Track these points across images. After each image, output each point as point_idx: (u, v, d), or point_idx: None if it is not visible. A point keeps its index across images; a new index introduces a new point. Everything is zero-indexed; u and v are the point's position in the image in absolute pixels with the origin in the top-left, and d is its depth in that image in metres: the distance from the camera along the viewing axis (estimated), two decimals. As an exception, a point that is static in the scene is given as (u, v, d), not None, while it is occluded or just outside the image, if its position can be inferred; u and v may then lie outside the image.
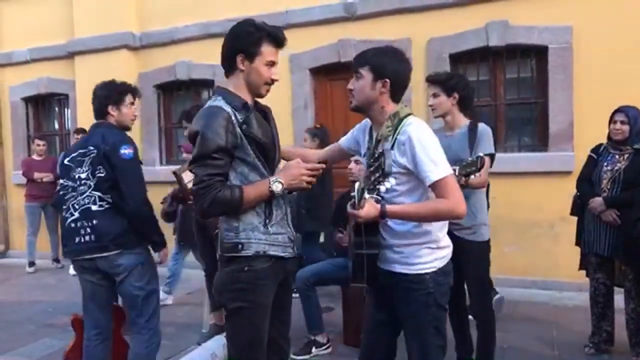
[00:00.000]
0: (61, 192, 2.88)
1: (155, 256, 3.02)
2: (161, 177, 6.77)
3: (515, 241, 5.18)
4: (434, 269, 2.01)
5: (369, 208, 1.85)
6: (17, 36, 7.63)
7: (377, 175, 1.74)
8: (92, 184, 2.73)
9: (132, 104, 3.00)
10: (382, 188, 1.77)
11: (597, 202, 3.35)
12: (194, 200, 1.98)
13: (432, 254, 2.01)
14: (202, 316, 4.30)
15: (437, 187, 1.88)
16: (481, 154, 2.60)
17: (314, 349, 3.63)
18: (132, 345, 2.95)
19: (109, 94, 2.90)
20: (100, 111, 2.91)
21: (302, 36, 5.93)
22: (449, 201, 1.87)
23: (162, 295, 4.26)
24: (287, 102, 6.12)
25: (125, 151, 2.74)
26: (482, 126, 2.91)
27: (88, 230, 2.71)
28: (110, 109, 2.89)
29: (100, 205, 2.71)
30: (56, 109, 7.94)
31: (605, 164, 3.43)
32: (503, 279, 4.97)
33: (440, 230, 2.06)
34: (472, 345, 3.14)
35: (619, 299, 3.52)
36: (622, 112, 3.36)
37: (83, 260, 2.76)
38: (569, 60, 5.01)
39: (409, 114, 1.99)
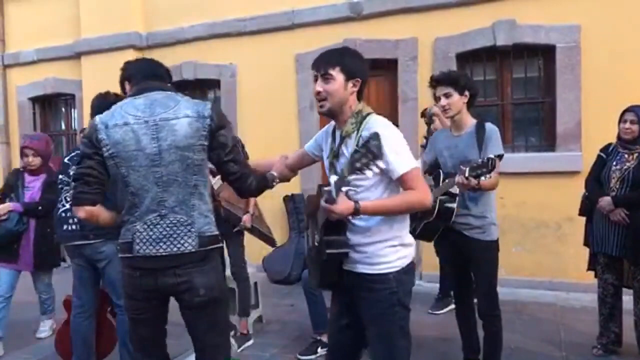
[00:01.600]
0: (59, 186, 3.22)
1: None
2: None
3: (522, 241, 5.16)
4: (397, 268, 1.99)
5: (344, 203, 1.79)
6: (24, 36, 7.67)
7: (366, 160, 1.72)
8: None
9: None
10: (369, 173, 1.75)
11: (605, 201, 3.33)
12: (240, 182, 2.14)
13: (395, 252, 1.99)
14: (208, 316, 4.29)
15: (404, 180, 1.91)
16: (492, 156, 2.58)
17: (319, 349, 3.62)
18: (117, 325, 3.27)
19: (101, 105, 2.93)
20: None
21: (307, 36, 5.94)
22: (417, 192, 1.91)
23: None
24: (293, 103, 6.12)
25: None
26: (489, 126, 2.88)
27: (75, 220, 3.04)
28: None
29: None
30: (63, 109, 7.98)
31: (614, 163, 3.40)
32: (510, 279, 4.95)
33: (403, 228, 2.04)
34: (479, 345, 3.12)
35: (627, 300, 3.49)
36: (632, 112, 3.34)
37: (71, 246, 3.13)
38: (576, 59, 4.98)
39: (371, 113, 2.03)
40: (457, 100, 2.87)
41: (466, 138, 2.90)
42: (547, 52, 5.22)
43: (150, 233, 1.98)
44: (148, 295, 2.05)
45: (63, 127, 8.04)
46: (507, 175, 4.95)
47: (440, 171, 2.97)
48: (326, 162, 2.14)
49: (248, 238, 4.04)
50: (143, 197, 1.98)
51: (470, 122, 2.94)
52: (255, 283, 4.35)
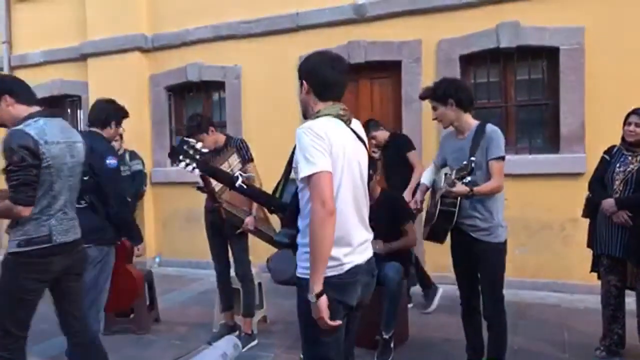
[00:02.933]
0: None
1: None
2: (172, 178, 6.85)
3: (526, 243, 5.16)
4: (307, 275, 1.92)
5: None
6: (30, 38, 7.73)
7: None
8: None
9: (119, 124, 3.48)
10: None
11: (608, 203, 3.34)
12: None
13: (309, 260, 1.91)
14: (213, 316, 4.33)
15: (307, 183, 1.88)
16: (473, 159, 2.66)
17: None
18: None
19: (98, 115, 3.37)
20: (91, 125, 3.39)
21: (311, 38, 5.97)
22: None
23: None
24: (297, 105, 6.10)
25: (110, 161, 3.22)
26: (490, 128, 2.87)
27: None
28: (97, 127, 3.35)
29: (79, 204, 3.06)
30: (69, 110, 8.03)
31: (617, 165, 3.41)
32: (514, 281, 4.94)
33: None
34: (483, 347, 3.14)
35: (630, 301, 3.50)
36: (637, 114, 3.34)
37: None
38: (580, 61, 4.99)
39: (325, 114, 1.98)
40: (444, 111, 2.91)
41: (469, 140, 2.91)
42: (551, 54, 5.22)
43: (62, 226, 2.57)
44: (54, 277, 2.59)
45: (69, 128, 8.08)
46: (510, 177, 4.96)
47: (447, 172, 2.99)
48: None
49: (252, 238, 4.06)
50: (59, 199, 2.55)
51: (472, 124, 2.94)
52: (260, 283, 4.38)
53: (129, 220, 3.45)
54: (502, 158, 2.83)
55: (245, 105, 6.48)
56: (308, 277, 1.91)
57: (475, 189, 2.71)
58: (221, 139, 3.98)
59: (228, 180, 2.33)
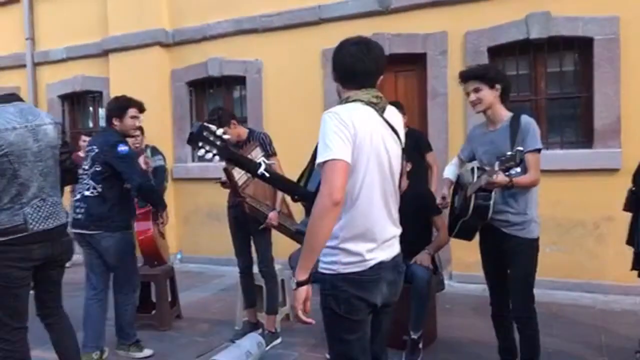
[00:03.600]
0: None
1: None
2: (193, 174, 6.82)
3: (557, 241, 4.97)
4: (333, 272, 1.86)
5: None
6: (53, 35, 7.76)
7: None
8: (89, 174, 3.46)
9: (135, 117, 3.63)
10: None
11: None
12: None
13: (331, 254, 1.86)
14: (235, 313, 4.26)
15: (321, 168, 1.78)
16: (520, 148, 2.48)
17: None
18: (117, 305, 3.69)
19: (113, 108, 3.62)
20: (107, 121, 3.64)
21: (334, 31, 5.83)
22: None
23: None
24: (319, 98, 6.03)
25: (122, 148, 3.41)
26: (525, 119, 2.74)
27: (82, 210, 3.46)
28: (114, 120, 3.58)
29: (92, 193, 3.42)
30: (91, 106, 8.06)
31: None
32: (544, 280, 4.75)
33: (342, 232, 1.85)
34: (516, 349, 3.00)
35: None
36: None
37: (77, 233, 3.48)
38: (616, 52, 4.78)
39: (355, 100, 1.88)
40: (487, 94, 2.76)
41: (501, 132, 2.77)
42: (584, 45, 5.02)
43: (39, 213, 2.55)
44: (36, 265, 2.58)
45: (91, 124, 8.12)
46: (541, 173, 4.82)
47: (475, 166, 2.84)
48: None
49: (275, 234, 3.97)
50: (30, 187, 2.53)
51: (505, 115, 2.81)
52: (282, 280, 4.29)
53: (151, 188, 3.68)
54: (539, 150, 2.70)
55: (267, 99, 6.39)
56: (330, 272, 1.86)
57: (515, 179, 2.57)
58: (244, 132, 3.90)
59: (251, 167, 2.23)
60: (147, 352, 3.71)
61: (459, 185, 3.09)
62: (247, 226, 3.82)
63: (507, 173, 2.52)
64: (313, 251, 1.76)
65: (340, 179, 1.72)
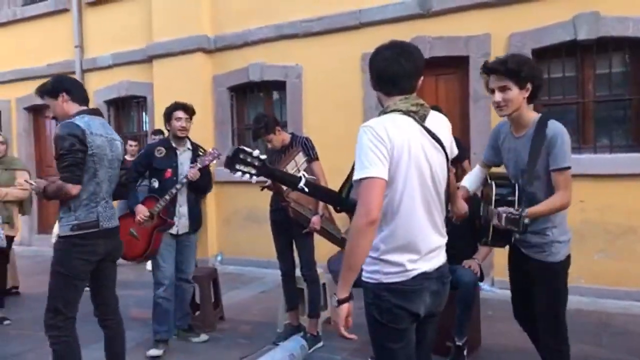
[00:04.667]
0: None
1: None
2: (234, 177, 6.89)
3: (605, 248, 4.82)
4: (375, 281, 1.86)
5: None
6: (100, 42, 8.06)
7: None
8: None
9: (180, 118, 3.96)
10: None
11: None
12: None
13: (373, 264, 1.86)
14: (276, 315, 4.30)
15: (357, 186, 1.78)
16: (526, 214, 2.20)
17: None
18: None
19: (164, 114, 4.07)
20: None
21: (375, 35, 5.83)
22: None
23: None
24: (358, 103, 6.04)
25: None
26: (553, 126, 2.30)
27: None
28: (166, 125, 4.07)
29: None
30: (135, 111, 8.30)
31: None
32: (592, 288, 4.67)
33: (383, 244, 1.85)
34: None
35: None
36: None
37: None
38: (669, 52, 4.61)
39: (393, 110, 1.86)
40: (516, 96, 2.33)
41: (525, 142, 2.39)
42: (635, 46, 4.86)
43: (106, 213, 2.88)
44: (97, 259, 2.85)
45: (135, 128, 8.36)
46: (588, 178, 4.70)
47: (493, 184, 2.46)
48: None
49: (317, 238, 4.00)
50: (102, 187, 2.86)
51: (531, 119, 2.40)
52: (324, 284, 4.31)
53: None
54: (568, 168, 2.31)
55: (306, 104, 6.44)
56: (372, 281, 1.86)
57: (531, 210, 2.25)
58: (287, 138, 3.95)
59: (291, 182, 2.26)
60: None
61: (481, 196, 2.77)
62: (290, 230, 3.86)
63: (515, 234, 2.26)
64: (352, 270, 1.76)
65: (377, 198, 1.72)
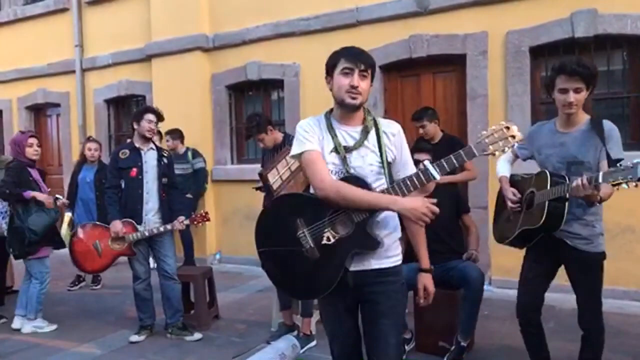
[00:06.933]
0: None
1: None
2: (232, 175, 6.93)
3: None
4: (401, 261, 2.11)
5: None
6: (100, 41, 8.07)
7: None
8: None
9: (151, 121, 4.05)
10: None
11: None
12: None
13: (399, 246, 2.09)
14: (271, 314, 4.30)
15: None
16: (637, 160, 2.15)
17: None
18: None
19: (134, 114, 4.20)
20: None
21: (372, 33, 5.84)
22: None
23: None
24: (356, 101, 6.00)
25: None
26: (608, 124, 2.53)
27: None
28: (133, 124, 4.13)
29: None
30: (134, 109, 8.31)
31: None
32: (589, 287, 4.60)
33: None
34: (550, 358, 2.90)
35: None
36: None
37: None
38: (668, 50, 4.57)
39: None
40: (584, 96, 2.52)
41: (578, 136, 2.56)
42: (633, 43, 4.82)
43: None
44: None
45: (135, 127, 8.36)
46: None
47: (547, 171, 2.60)
48: (332, 156, 2.04)
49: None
50: None
51: (583, 118, 2.60)
52: (319, 283, 4.30)
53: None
54: (622, 159, 2.40)
55: (304, 102, 6.43)
56: (400, 262, 2.09)
57: (602, 194, 2.38)
58: (279, 137, 3.94)
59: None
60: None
61: (513, 184, 2.85)
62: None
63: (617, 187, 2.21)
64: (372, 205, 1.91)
65: None
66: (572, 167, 2.57)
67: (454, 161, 1.86)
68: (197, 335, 4.10)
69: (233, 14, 6.86)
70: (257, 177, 3.85)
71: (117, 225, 3.94)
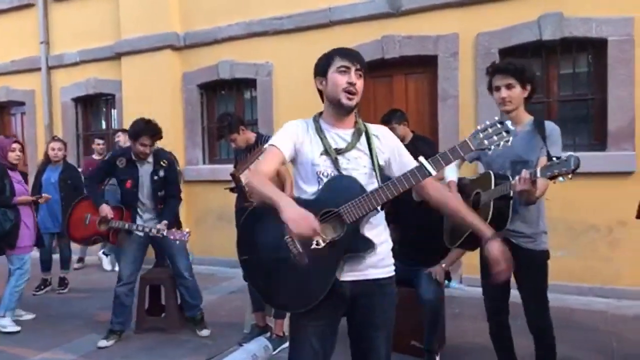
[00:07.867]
0: None
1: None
2: (204, 175, 6.85)
3: (569, 245, 4.91)
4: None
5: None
6: (67, 39, 7.86)
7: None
8: None
9: (145, 145, 4.02)
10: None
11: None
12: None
13: (392, 257, 2.04)
14: (244, 316, 4.27)
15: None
16: (574, 154, 2.19)
17: None
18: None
19: (131, 132, 4.07)
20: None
21: (345, 33, 5.86)
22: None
23: None
24: (329, 101, 6.01)
25: None
26: (550, 125, 2.59)
27: None
28: (130, 141, 4.15)
29: None
30: (103, 108, 8.14)
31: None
32: (556, 284, 4.68)
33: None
34: None
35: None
36: None
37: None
38: (630, 53, 4.71)
39: None
40: (518, 94, 2.59)
41: (522, 136, 2.58)
42: (597, 46, 4.96)
43: None
44: None
45: (104, 126, 8.20)
46: (553, 176, 4.77)
47: (491, 172, 2.68)
48: (322, 159, 1.98)
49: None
50: None
51: (526, 119, 2.66)
52: (292, 284, 4.28)
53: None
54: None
55: (277, 102, 6.40)
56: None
57: (538, 190, 2.40)
58: (252, 137, 3.91)
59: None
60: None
61: (460, 189, 2.89)
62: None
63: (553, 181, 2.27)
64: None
65: None
66: (517, 166, 2.60)
67: (450, 156, 1.85)
68: (205, 332, 4.20)
69: (205, 12, 6.78)
70: (230, 178, 3.81)
71: (104, 209, 4.00)
